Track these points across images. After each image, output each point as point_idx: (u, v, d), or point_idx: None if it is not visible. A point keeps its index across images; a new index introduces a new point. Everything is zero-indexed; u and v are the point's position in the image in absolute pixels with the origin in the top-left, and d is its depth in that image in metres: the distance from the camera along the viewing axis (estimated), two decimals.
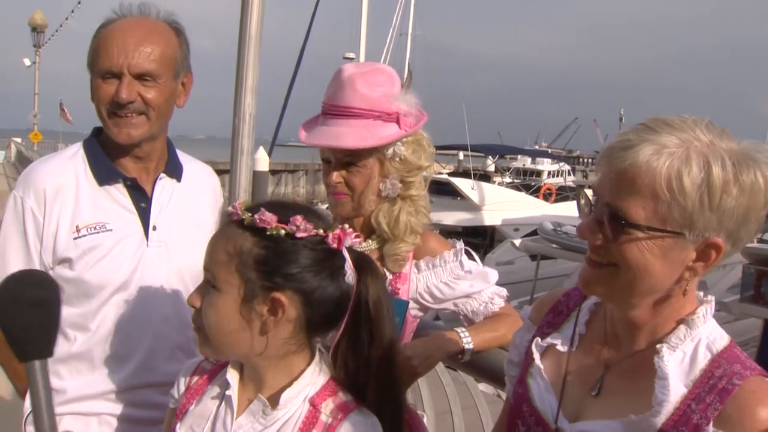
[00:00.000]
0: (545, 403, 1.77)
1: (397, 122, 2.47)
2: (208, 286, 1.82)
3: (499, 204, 28.76)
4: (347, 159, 2.47)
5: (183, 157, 2.78)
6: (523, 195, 31.99)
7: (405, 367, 2.29)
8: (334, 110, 2.46)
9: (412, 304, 2.54)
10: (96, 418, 2.48)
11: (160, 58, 2.48)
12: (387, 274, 2.55)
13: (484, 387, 3.91)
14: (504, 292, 2.65)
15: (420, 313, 2.63)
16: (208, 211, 2.77)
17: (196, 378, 2.00)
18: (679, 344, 1.59)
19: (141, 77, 2.44)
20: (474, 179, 29.84)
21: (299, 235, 1.77)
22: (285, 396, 1.82)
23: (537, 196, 33.16)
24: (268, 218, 1.76)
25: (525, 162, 46.23)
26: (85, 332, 2.47)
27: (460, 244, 2.65)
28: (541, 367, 1.82)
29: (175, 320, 2.59)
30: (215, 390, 1.95)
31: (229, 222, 1.82)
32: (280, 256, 1.77)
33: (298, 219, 1.77)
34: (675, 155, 1.46)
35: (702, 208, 1.46)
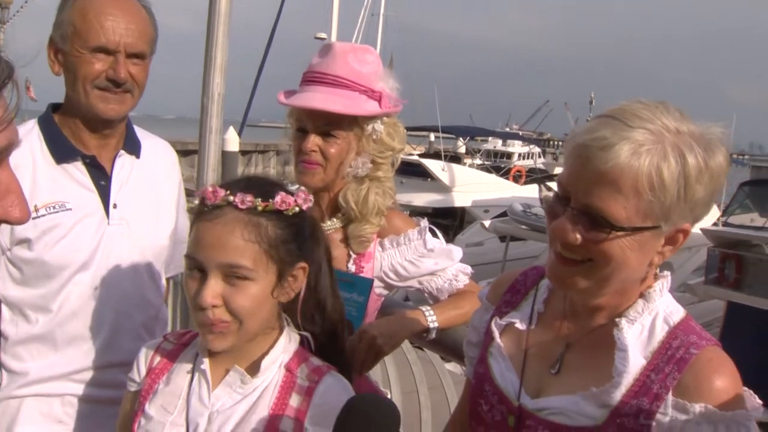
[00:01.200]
0: (507, 381, 1.80)
1: (379, 101, 2.50)
2: (231, 280, 1.80)
3: (470, 185, 28.83)
4: (326, 128, 2.47)
5: (140, 133, 2.75)
6: (493, 177, 32.09)
7: (370, 346, 2.32)
8: (320, 78, 2.46)
9: (376, 283, 2.55)
10: (59, 399, 2.46)
11: (148, 39, 2.51)
12: (351, 253, 2.57)
13: (451, 366, 3.94)
14: (468, 269, 2.67)
15: (384, 292, 2.65)
16: (168, 186, 2.78)
17: (158, 359, 2.01)
18: (638, 317, 1.64)
19: (132, 56, 2.45)
20: (444, 161, 29.86)
21: (305, 207, 1.89)
22: (265, 363, 1.88)
23: (507, 178, 33.27)
24: (287, 199, 1.84)
25: (496, 144, 46.30)
26: (47, 313, 2.44)
27: (424, 222, 2.66)
28: (501, 345, 1.85)
29: (137, 298, 2.58)
30: (184, 367, 1.96)
31: (232, 210, 1.80)
32: (297, 232, 1.89)
33: (302, 195, 1.89)
34: (652, 152, 1.47)
35: (678, 200, 1.50)
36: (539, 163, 40.65)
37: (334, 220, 2.59)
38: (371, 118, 2.50)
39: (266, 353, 1.90)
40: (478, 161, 38.86)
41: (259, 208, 1.80)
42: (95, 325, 2.48)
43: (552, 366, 1.73)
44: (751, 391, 1.55)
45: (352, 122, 2.48)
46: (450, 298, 2.59)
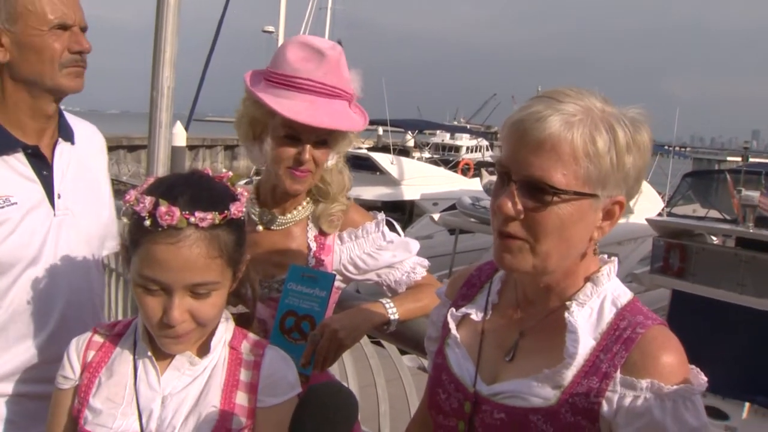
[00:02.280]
0: (463, 370, 1.83)
1: (350, 102, 2.52)
2: (197, 294, 1.80)
3: (418, 179, 28.98)
4: (321, 138, 2.46)
5: (70, 118, 2.67)
6: (441, 170, 32.30)
7: (332, 340, 2.32)
8: (317, 88, 2.41)
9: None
10: (7, 399, 2.39)
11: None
12: (311, 245, 2.58)
13: (407, 360, 3.96)
14: (425, 262, 2.70)
15: (342, 285, 2.66)
16: (102, 171, 2.74)
17: (92, 352, 1.98)
18: (587, 301, 1.68)
19: (83, 30, 2.43)
20: (393, 154, 29.96)
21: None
22: (213, 343, 1.91)
23: (456, 171, 33.54)
24: (240, 207, 1.86)
25: (444, 137, 46.63)
26: None
27: (381, 216, 2.69)
28: (458, 336, 1.88)
29: (85, 289, 2.54)
30: (124, 357, 1.95)
31: (194, 231, 1.77)
32: (242, 230, 1.92)
33: (245, 194, 1.91)
34: (584, 122, 1.55)
35: (612, 168, 1.56)
36: (487, 156, 41.00)
37: (299, 209, 2.60)
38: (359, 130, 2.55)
39: (212, 334, 1.92)
40: (426, 154, 39.13)
41: (217, 222, 1.79)
42: (44, 319, 2.42)
43: (506, 354, 1.77)
44: (698, 369, 1.60)
45: (341, 132, 2.51)
46: (409, 291, 2.61)
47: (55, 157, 2.49)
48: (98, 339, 2.00)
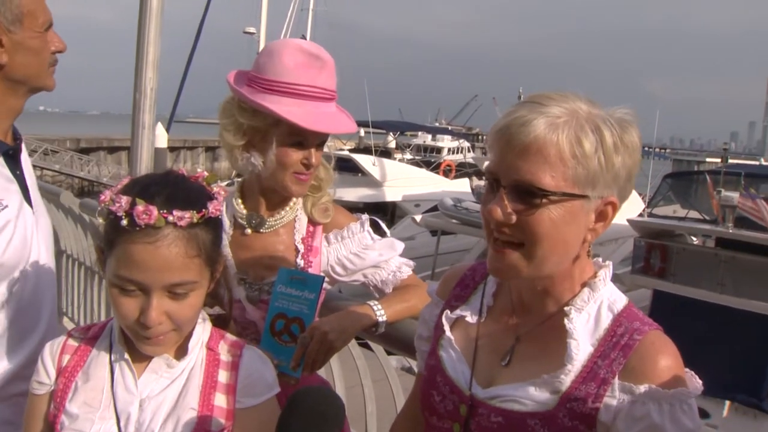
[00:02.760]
0: (458, 372, 1.83)
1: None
2: (176, 294, 1.79)
3: (400, 180, 29.06)
4: (323, 140, 2.52)
5: None
6: (423, 171, 32.40)
7: (322, 342, 2.32)
8: (321, 93, 2.46)
9: None
10: (8, 401, 2.36)
11: None
12: (299, 246, 2.59)
13: (392, 361, 3.96)
14: (411, 262, 2.71)
15: (328, 287, 2.66)
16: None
17: (67, 357, 1.94)
18: (584, 306, 1.69)
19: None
20: (375, 155, 29.99)
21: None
22: (191, 344, 1.89)
23: (437, 173, 33.63)
24: (218, 206, 1.85)
25: (425, 139, 46.73)
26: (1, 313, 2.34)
27: (365, 216, 2.70)
28: (452, 338, 1.88)
29: (54, 283, 2.55)
30: (100, 360, 1.92)
31: (173, 230, 1.75)
32: (219, 230, 1.91)
33: (222, 193, 1.90)
34: (570, 124, 1.55)
35: (601, 169, 1.56)
36: (469, 157, 41.09)
37: (286, 209, 2.61)
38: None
39: (189, 336, 1.90)
40: (408, 156, 39.17)
41: (195, 221, 1.78)
42: (38, 318, 2.42)
43: (502, 359, 1.77)
44: (692, 372, 1.63)
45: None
46: (396, 292, 2.62)
47: (21, 157, 2.49)
48: (73, 342, 1.96)
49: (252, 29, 35.28)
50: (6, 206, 2.31)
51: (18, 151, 2.48)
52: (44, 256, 2.45)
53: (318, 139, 2.48)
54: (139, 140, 5.04)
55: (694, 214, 17.55)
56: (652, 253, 16.51)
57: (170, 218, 1.73)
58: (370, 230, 2.66)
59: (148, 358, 1.88)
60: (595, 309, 1.69)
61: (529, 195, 1.56)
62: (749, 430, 11.66)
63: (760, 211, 15.05)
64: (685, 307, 13.61)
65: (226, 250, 2.57)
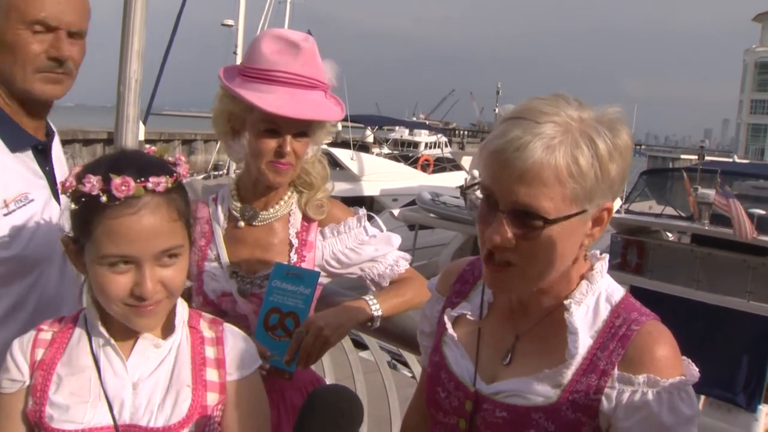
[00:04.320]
0: (462, 369, 1.85)
1: (326, 92, 2.53)
2: (165, 261, 1.79)
3: (378, 174, 29.02)
4: (301, 129, 2.46)
5: None
6: (401, 165, 32.36)
7: (317, 337, 2.33)
8: (295, 80, 2.41)
9: None
10: None
11: (86, 16, 2.37)
12: (293, 241, 2.58)
13: (366, 354, 3.96)
14: (408, 256, 2.72)
15: (324, 280, 2.67)
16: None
17: (41, 351, 1.89)
18: (583, 299, 1.72)
19: (73, 35, 2.32)
20: (353, 150, 29.94)
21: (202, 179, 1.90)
22: (177, 321, 1.91)
23: (415, 167, 33.60)
24: (186, 168, 1.88)
25: (403, 133, 46.60)
26: (22, 312, 2.31)
27: (362, 211, 2.70)
28: (455, 335, 1.90)
29: (77, 283, 2.45)
30: (80, 350, 1.89)
31: (152, 197, 1.75)
32: (187, 194, 1.91)
33: (182, 157, 1.92)
34: (565, 142, 1.54)
35: (597, 182, 1.57)
36: (446, 152, 41.08)
37: (281, 203, 2.60)
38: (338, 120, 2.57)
39: (170, 315, 1.91)
40: (386, 150, 39.09)
41: (170, 186, 1.79)
42: (58, 313, 2.27)
43: (504, 357, 1.80)
44: (690, 360, 1.66)
45: (319, 122, 2.51)
46: (391, 286, 2.63)
47: (53, 152, 2.48)
48: (45, 336, 1.92)
49: (230, 22, 34.98)
50: (32, 200, 2.31)
51: (48, 147, 2.46)
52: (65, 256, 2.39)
53: (294, 128, 2.43)
54: (123, 133, 4.99)
55: (669, 210, 17.73)
56: (629, 249, 16.67)
57: (149, 185, 1.74)
58: (367, 225, 2.65)
59: (132, 342, 1.87)
60: (593, 301, 1.72)
61: (529, 219, 1.56)
62: (724, 424, 11.79)
63: (731, 209, 15.23)
64: (662, 302, 13.72)
65: (220, 243, 2.58)
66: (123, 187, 1.71)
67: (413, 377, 6.53)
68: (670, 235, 18.23)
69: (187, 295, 2.12)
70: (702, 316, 12.85)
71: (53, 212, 2.38)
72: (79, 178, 1.76)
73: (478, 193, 1.67)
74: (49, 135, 2.52)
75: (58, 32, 2.28)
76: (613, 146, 1.58)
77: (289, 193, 2.62)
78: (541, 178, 1.53)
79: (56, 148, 2.54)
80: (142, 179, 1.73)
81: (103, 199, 1.72)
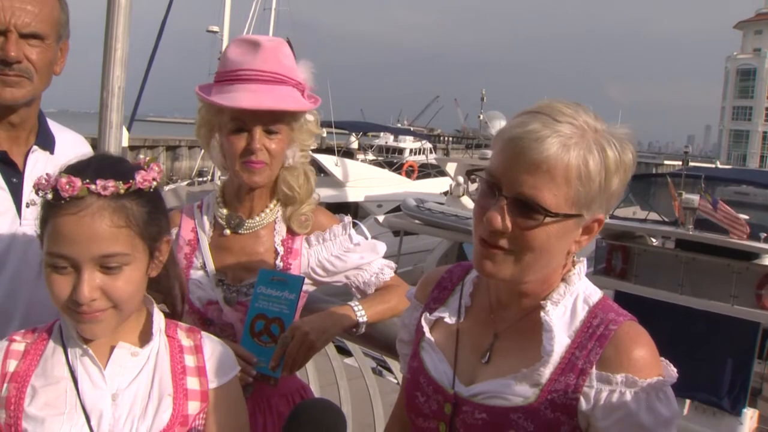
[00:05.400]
0: (440, 373, 1.86)
1: (302, 92, 2.51)
2: (108, 269, 1.74)
3: (363, 180, 29.04)
4: (269, 126, 2.44)
5: (54, 126, 2.58)
6: (386, 172, 32.41)
7: (303, 342, 2.32)
8: (257, 75, 2.41)
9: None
10: None
11: (47, 19, 2.32)
12: (279, 248, 2.57)
13: (350, 361, 3.94)
14: (392, 264, 2.72)
15: (310, 288, 2.65)
16: None
17: (14, 362, 1.84)
18: (560, 300, 1.73)
19: (27, 37, 2.27)
20: (337, 156, 29.94)
21: (159, 180, 1.86)
22: (154, 329, 1.88)
23: (400, 173, 33.64)
24: (147, 177, 1.81)
25: (387, 139, 46.63)
26: None
27: (348, 218, 2.69)
28: (432, 339, 1.91)
29: (48, 302, 2.46)
30: (55, 361, 1.84)
31: (96, 199, 1.72)
32: (157, 206, 1.87)
33: (155, 168, 1.85)
34: (580, 144, 1.58)
35: (600, 190, 1.60)
36: (431, 158, 41.17)
37: (267, 211, 2.58)
38: (311, 109, 2.54)
39: (146, 324, 1.90)
40: (370, 156, 39.10)
41: (122, 191, 1.74)
42: (1, 329, 2.24)
43: (482, 356, 1.80)
44: (667, 361, 1.67)
45: (291, 117, 2.48)
46: (376, 293, 2.63)
47: (28, 165, 2.41)
48: (18, 347, 1.87)
49: (215, 28, 35.01)
50: None
51: (25, 156, 2.41)
52: (30, 270, 2.34)
53: (259, 122, 2.41)
54: (107, 140, 4.95)
55: (653, 216, 17.82)
56: (614, 254, 16.75)
57: (93, 188, 1.71)
58: (353, 232, 2.64)
59: (108, 351, 1.84)
60: (571, 302, 1.74)
61: (530, 210, 1.58)
62: (709, 428, 11.85)
63: (720, 213, 15.33)
64: (646, 307, 13.80)
65: (205, 251, 2.56)
66: (68, 187, 1.70)
67: (398, 383, 6.57)
68: (654, 240, 18.33)
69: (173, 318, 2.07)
70: (686, 320, 12.92)
71: (7, 224, 2.33)
72: (48, 175, 1.75)
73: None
74: (45, 149, 2.47)
75: (7, 34, 2.24)
76: (620, 161, 1.61)
77: (274, 202, 2.60)
78: (552, 173, 1.56)
79: (46, 162, 2.46)
80: (89, 180, 1.71)
81: (49, 196, 1.72)
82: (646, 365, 1.61)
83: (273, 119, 2.43)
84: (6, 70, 2.26)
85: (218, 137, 2.51)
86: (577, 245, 1.69)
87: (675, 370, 1.65)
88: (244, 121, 2.40)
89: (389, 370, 6.89)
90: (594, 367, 1.62)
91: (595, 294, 1.76)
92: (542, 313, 1.70)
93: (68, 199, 1.70)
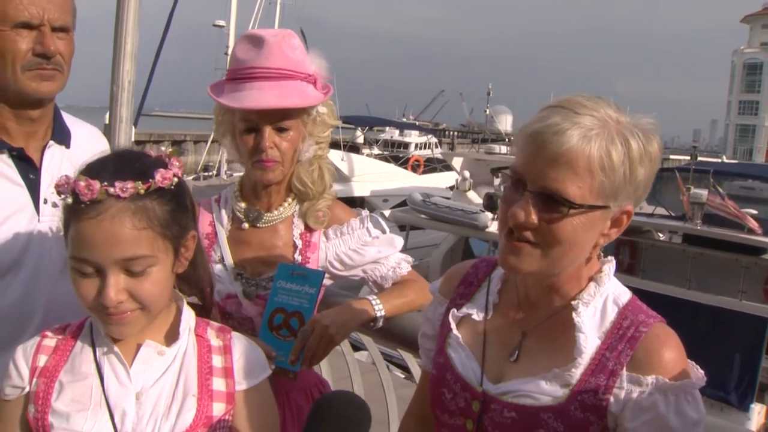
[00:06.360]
0: (468, 370, 1.85)
1: (315, 84, 2.49)
2: (133, 271, 1.72)
3: (369, 175, 29.02)
4: (279, 123, 2.43)
5: (69, 120, 2.56)
6: (391, 166, 32.37)
7: (322, 336, 2.32)
8: (263, 73, 2.40)
9: None
10: None
11: (70, 10, 2.33)
12: (297, 242, 2.56)
13: (360, 356, 3.94)
14: (410, 258, 2.71)
15: (327, 282, 2.65)
16: None
17: (44, 357, 1.86)
18: (591, 300, 1.72)
19: (57, 30, 2.28)
20: (343, 150, 29.92)
21: (180, 175, 1.83)
22: (181, 328, 1.87)
23: (406, 168, 33.60)
24: (167, 175, 1.77)
25: (393, 134, 46.58)
26: None
27: (365, 212, 2.69)
28: (459, 336, 1.89)
29: (71, 300, 2.44)
30: (84, 358, 1.85)
31: (115, 201, 1.70)
32: (180, 202, 1.83)
33: (176, 163, 1.83)
34: (601, 135, 1.57)
35: (624, 181, 1.59)
36: (436, 152, 41.12)
37: (285, 205, 2.58)
38: (320, 102, 2.52)
39: (175, 322, 1.89)
40: (376, 151, 39.08)
41: (142, 192, 1.72)
42: (21, 329, 2.27)
43: (511, 354, 1.79)
44: (695, 363, 1.67)
45: (301, 111, 2.47)
46: (394, 287, 2.62)
47: (45, 161, 2.40)
48: (49, 343, 1.89)
49: (222, 22, 35.01)
50: None
51: (41, 152, 2.40)
52: (49, 267, 2.34)
53: (268, 121, 2.41)
54: (117, 134, 4.96)
55: (660, 210, 17.76)
56: (621, 249, 16.67)
57: (112, 190, 1.68)
58: (370, 226, 2.64)
59: (135, 349, 1.83)
60: (601, 303, 1.73)
61: (555, 203, 1.58)
62: (716, 423, 11.83)
63: (730, 209, 15.29)
64: (654, 302, 13.72)
65: (224, 245, 2.56)
66: (87, 191, 1.68)
67: (406, 378, 6.55)
68: (660, 235, 18.28)
69: (202, 311, 2.05)
70: (694, 315, 12.89)
71: (25, 221, 2.32)
72: (67, 177, 1.73)
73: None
74: (61, 143, 2.46)
75: (42, 29, 2.24)
76: (645, 151, 1.61)
77: (292, 196, 2.60)
78: (573, 165, 1.56)
79: (62, 156, 2.45)
80: (107, 183, 1.69)
81: (69, 200, 1.70)
82: (676, 367, 1.61)
83: (281, 117, 2.42)
84: (44, 64, 2.26)
85: (234, 136, 2.51)
86: (606, 238, 1.68)
87: (702, 372, 1.65)
88: (253, 120, 2.41)
89: (397, 365, 6.88)
90: (624, 368, 1.62)
91: (625, 295, 1.75)
92: (574, 314, 1.69)
93: (88, 202, 1.68)
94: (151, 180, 1.73)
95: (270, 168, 2.45)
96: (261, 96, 2.37)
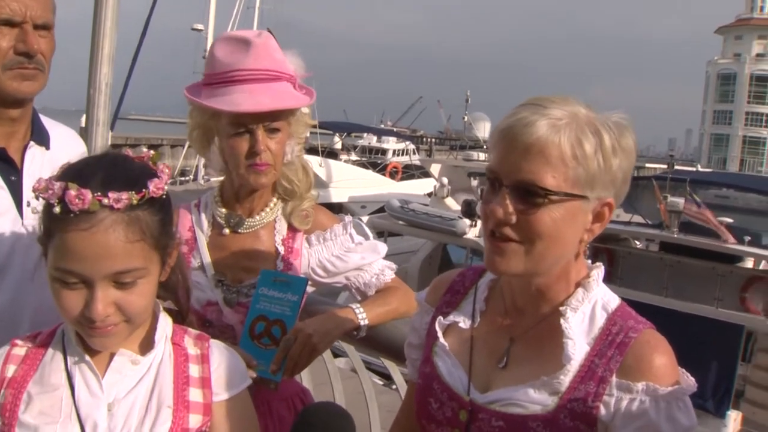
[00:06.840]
0: (455, 379, 1.81)
1: (294, 84, 2.45)
2: (122, 284, 1.65)
3: (347, 181, 29.11)
4: (271, 125, 2.38)
5: (47, 122, 2.49)
6: (369, 172, 32.49)
7: (306, 345, 2.27)
8: (254, 75, 2.34)
9: None
10: None
11: (51, 8, 2.27)
12: (279, 248, 2.52)
13: (339, 363, 3.91)
14: (393, 265, 2.67)
15: (310, 289, 2.59)
16: None
17: (12, 367, 1.76)
18: (579, 306, 1.70)
19: (38, 28, 2.22)
20: (321, 156, 29.96)
21: (168, 183, 1.77)
22: (157, 337, 1.79)
23: (384, 174, 33.70)
24: (160, 185, 1.71)
25: (371, 140, 46.70)
26: None
27: (348, 218, 2.65)
28: (446, 344, 1.86)
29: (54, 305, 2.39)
30: (54, 367, 1.76)
31: (109, 213, 1.62)
32: (167, 211, 1.78)
33: (165, 170, 1.76)
34: (571, 126, 1.57)
35: (599, 170, 1.58)
36: (414, 159, 41.29)
37: (267, 210, 2.53)
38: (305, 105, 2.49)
39: (150, 329, 1.81)
40: (354, 157, 39.16)
41: (135, 202, 1.64)
42: (7, 335, 2.10)
43: (499, 361, 1.76)
44: (684, 370, 1.65)
45: (289, 112, 2.43)
46: (377, 295, 2.58)
47: (26, 162, 2.34)
48: (18, 352, 1.80)
49: (200, 26, 34.96)
50: None
51: (22, 154, 2.34)
52: (35, 271, 2.20)
53: (263, 124, 2.36)
54: (93, 137, 4.90)
55: (637, 218, 17.91)
56: (599, 257, 16.77)
57: (105, 201, 1.60)
58: (353, 232, 2.59)
59: (108, 358, 1.75)
60: (589, 308, 1.71)
61: (531, 195, 1.57)
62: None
63: (705, 216, 15.44)
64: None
65: (204, 251, 2.50)
66: (77, 200, 1.59)
67: (385, 385, 6.53)
68: (638, 242, 18.42)
69: (177, 316, 1.99)
70: (670, 323, 12.94)
71: (9, 223, 2.26)
72: (49, 181, 1.64)
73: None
74: (41, 145, 2.40)
75: (24, 26, 2.18)
76: (618, 143, 1.60)
77: (274, 200, 2.55)
78: (545, 154, 1.56)
79: (43, 158, 2.39)
80: (101, 193, 1.60)
81: (56, 210, 1.60)
82: (666, 373, 1.59)
83: (273, 118, 2.38)
84: (26, 63, 2.20)
85: (217, 141, 2.44)
86: (590, 233, 1.66)
87: (693, 379, 1.62)
88: (245, 123, 2.35)
89: (375, 371, 6.84)
90: (614, 375, 1.60)
91: (613, 301, 1.73)
92: (562, 320, 1.67)
93: (78, 213, 1.60)
94: (144, 190, 1.66)
95: (264, 172, 2.39)
96: (255, 98, 2.32)
